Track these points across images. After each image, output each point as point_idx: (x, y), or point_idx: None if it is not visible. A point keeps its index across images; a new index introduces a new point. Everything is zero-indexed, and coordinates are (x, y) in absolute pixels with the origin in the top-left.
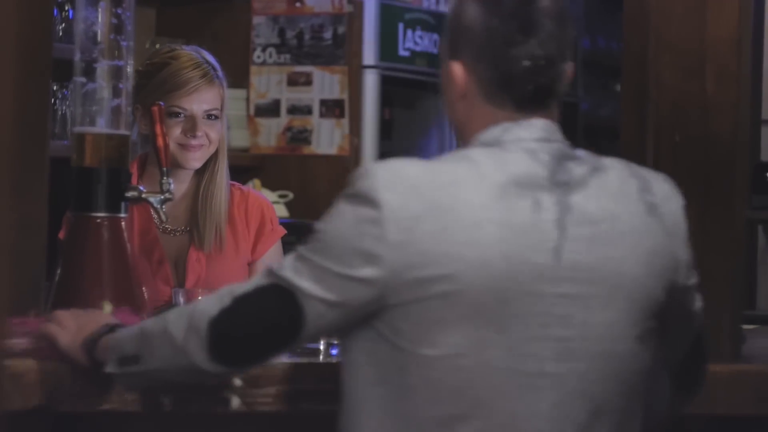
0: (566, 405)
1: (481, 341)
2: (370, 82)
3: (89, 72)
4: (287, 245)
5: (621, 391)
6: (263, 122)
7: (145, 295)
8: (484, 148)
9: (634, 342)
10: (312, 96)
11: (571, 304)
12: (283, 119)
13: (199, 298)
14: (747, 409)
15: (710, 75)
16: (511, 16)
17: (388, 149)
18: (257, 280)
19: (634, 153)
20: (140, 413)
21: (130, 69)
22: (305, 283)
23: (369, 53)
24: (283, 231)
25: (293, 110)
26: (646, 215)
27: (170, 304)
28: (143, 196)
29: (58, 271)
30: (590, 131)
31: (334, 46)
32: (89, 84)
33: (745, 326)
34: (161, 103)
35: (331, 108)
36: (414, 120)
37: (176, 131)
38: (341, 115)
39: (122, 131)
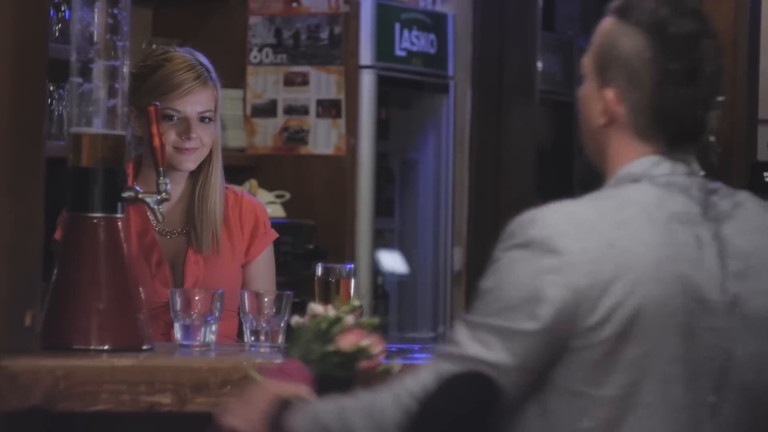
0: None
1: (661, 376)
2: (367, 82)
3: (85, 72)
4: (285, 245)
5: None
6: (260, 122)
7: (142, 295)
8: (639, 184)
9: None
10: (308, 96)
11: (730, 337)
12: (280, 119)
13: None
14: None
15: None
16: (677, 53)
17: (384, 149)
18: (432, 369)
19: None
20: (136, 413)
21: (126, 69)
22: (500, 355)
23: (365, 53)
24: (275, 234)
25: (290, 110)
26: None
27: (168, 306)
28: (140, 196)
29: (55, 272)
30: None
31: (330, 46)
32: (85, 84)
33: None
34: (158, 103)
35: (328, 108)
36: (410, 120)
37: (171, 135)
38: (338, 115)
39: (118, 131)
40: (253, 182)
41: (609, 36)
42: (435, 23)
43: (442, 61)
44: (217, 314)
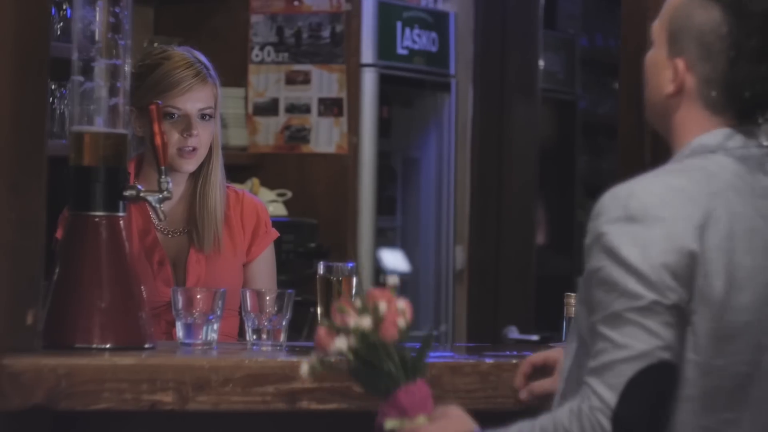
0: None
1: (759, 346)
2: (369, 80)
3: (87, 71)
4: (287, 243)
5: None
6: (261, 121)
7: (144, 294)
8: (715, 155)
9: None
10: (310, 94)
11: None
12: (282, 118)
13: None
14: None
15: None
16: (754, 30)
17: (386, 148)
18: (610, 379)
19: (632, 150)
20: (138, 411)
21: (127, 68)
22: (666, 334)
23: (367, 52)
24: (276, 234)
25: (291, 109)
26: None
27: (170, 305)
28: (141, 194)
29: (57, 270)
30: (588, 129)
31: (332, 44)
32: (87, 83)
33: None
34: (159, 102)
35: (330, 106)
36: (412, 118)
37: (173, 134)
38: (339, 114)
39: (120, 130)
40: (255, 181)
41: (684, 6)
42: (437, 22)
43: (443, 60)
44: (218, 313)
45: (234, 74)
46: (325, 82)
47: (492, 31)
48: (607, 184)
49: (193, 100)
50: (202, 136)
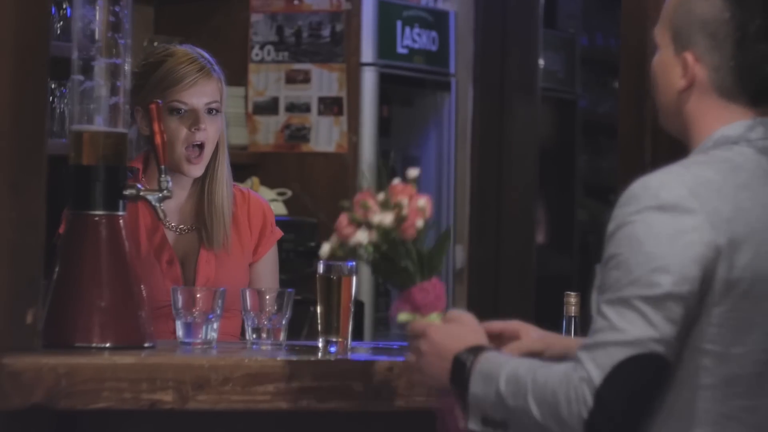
0: None
1: None
2: (369, 79)
3: (87, 70)
4: (287, 242)
5: None
6: (262, 120)
7: (144, 293)
8: (738, 147)
9: None
10: (310, 93)
11: None
12: (282, 117)
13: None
14: None
15: None
16: (755, 11)
17: (386, 147)
18: (602, 359)
19: (633, 149)
20: (138, 411)
21: (128, 67)
22: (664, 329)
23: (367, 51)
24: (280, 233)
25: (291, 108)
26: None
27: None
28: (141, 194)
29: (57, 269)
30: (589, 128)
31: (332, 43)
32: (87, 82)
33: None
34: (159, 101)
35: (330, 105)
36: (412, 117)
37: (182, 130)
38: (339, 113)
39: (120, 129)
40: (255, 180)
41: (683, 3)
42: (437, 21)
43: (443, 59)
44: (218, 312)
45: (234, 73)
46: (325, 81)
47: (492, 30)
48: (607, 184)
49: (199, 95)
50: (210, 130)
